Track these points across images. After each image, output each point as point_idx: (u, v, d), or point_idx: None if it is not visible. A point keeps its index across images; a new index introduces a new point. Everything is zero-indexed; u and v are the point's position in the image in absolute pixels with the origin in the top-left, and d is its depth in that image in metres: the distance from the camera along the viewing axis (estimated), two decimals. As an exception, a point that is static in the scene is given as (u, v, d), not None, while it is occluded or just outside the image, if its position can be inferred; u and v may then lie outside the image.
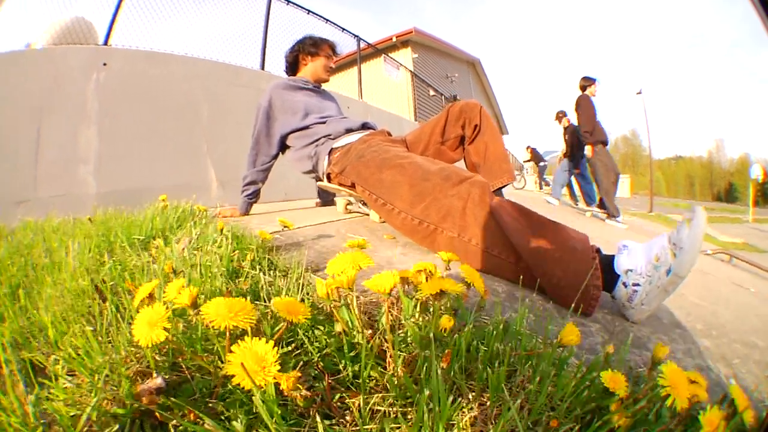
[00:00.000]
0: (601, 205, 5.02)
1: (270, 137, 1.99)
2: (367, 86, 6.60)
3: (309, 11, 5.36)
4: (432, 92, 10.30)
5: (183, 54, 3.56)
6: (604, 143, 4.78)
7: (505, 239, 1.16)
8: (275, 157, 2.05)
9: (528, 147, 13.71)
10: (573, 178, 6.49)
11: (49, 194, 2.65)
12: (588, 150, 4.77)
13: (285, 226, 1.27)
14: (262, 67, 4.52)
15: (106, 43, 3.24)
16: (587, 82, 4.97)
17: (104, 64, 2.97)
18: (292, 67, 2.20)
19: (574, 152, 6.45)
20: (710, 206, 29.08)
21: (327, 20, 5.74)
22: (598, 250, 1.12)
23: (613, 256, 1.09)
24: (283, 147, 2.05)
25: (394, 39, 12.33)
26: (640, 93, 19.44)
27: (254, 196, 2.05)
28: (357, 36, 6.51)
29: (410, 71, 8.86)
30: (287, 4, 5.03)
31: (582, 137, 4.84)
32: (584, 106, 4.84)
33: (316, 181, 2.01)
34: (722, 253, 3.97)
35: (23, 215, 2.33)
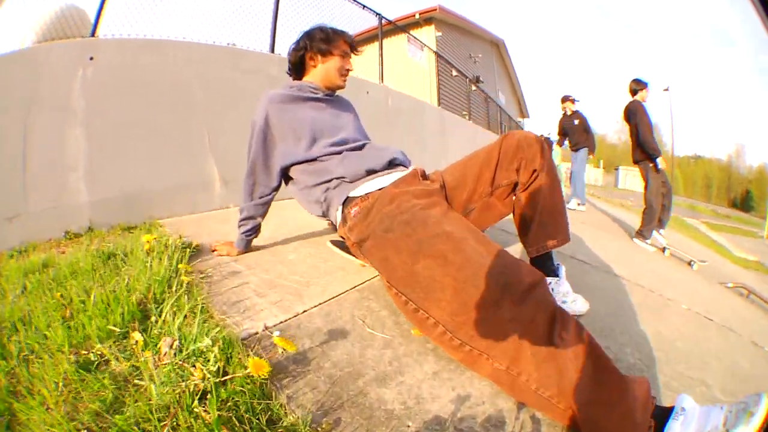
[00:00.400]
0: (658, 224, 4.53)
1: (268, 167, 1.61)
2: (388, 65, 6.10)
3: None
4: (455, 73, 9.83)
5: (178, 39, 3.16)
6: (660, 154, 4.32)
7: (561, 384, 0.91)
8: (277, 189, 1.69)
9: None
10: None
11: (40, 207, 2.42)
12: (662, 162, 4.22)
13: (284, 348, 0.99)
14: (272, 50, 4.03)
15: (93, 34, 2.84)
16: (639, 86, 4.41)
17: (91, 59, 2.62)
18: (298, 69, 1.72)
19: (578, 142, 6.11)
20: (726, 213, 28.49)
21: None
22: (654, 414, 0.90)
23: (668, 417, 0.88)
24: (287, 177, 1.67)
25: (417, 16, 11.59)
26: (667, 90, 18.90)
27: (253, 233, 1.77)
28: (378, 14, 5.89)
29: (435, 52, 8.36)
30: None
31: (650, 152, 4.23)
32: (641, 115, 4.26)
33: (332, 228, 1.74)
34: (741, 287, 3.72)
35: (17, 233, 2.26)
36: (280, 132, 1.56)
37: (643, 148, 4.24)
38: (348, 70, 1.71)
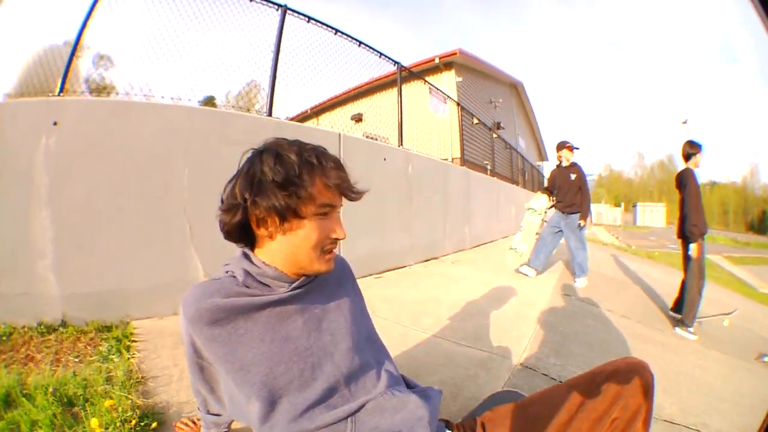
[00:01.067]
0: (676, 309, 3.99)
1: (217, 397, 0.97)
2: (406, 116, 5.44)
3: (337, 31, 4.23)
4: (476, 121, 9.33)
5: (152, 101, 2.68)
6: (704, 235, 3.70)
7: None
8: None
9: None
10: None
11: (12, 291, 2.18)
12: (694, 250, 3.64)
13: None
14: (270, 113, 3.40)
15: (62, 92, 2.40)
16: (693, 150, 3.79)
17: (55, 124, 2.21)
18: (239, 237, 0.91)
19: (573, 203, 4.75)
20: (745, 239, 28.14)
21: (360, 42, 4.57)
22: None
23: None
24: None
25: (437, 60, 11.24)
26: (685, 123, 18.63)
27: None
28: (397, 62, 5.20)
29: (457, 103, 7.84)
30: (308, 22, 3.88)
31: (687, 233, 3.67)
32: (690, 187, 3.68)
33: None
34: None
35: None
36: (220, 371, 0.89)
37: (684, 224, 3.73)
38: (336, 240, 0.90)
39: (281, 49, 3.59)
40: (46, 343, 2.08)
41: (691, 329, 3.72)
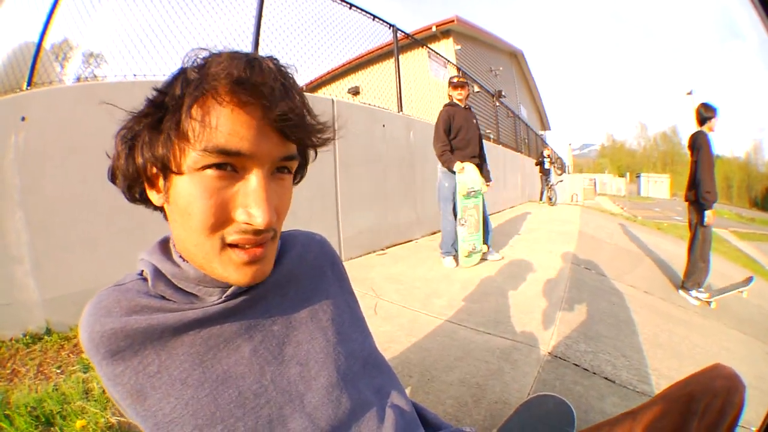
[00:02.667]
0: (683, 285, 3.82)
1: None
2: (405, 86, 5.10)
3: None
4: (477, 89, 8.90)
5: (120, 79, 2.38)
6: (714, 203, 3.55)
7: None
8: None
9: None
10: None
11: None
12: (710, 217, 3.49)
13: None
14: None
15: (29, 84, 2.21)
16: (708, 113, 3.58)
17: (23, 119, 2.04)
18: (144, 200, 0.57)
19: (477, 155, 3.83)
20: (750, 215, 28.25)
21: (351, 5, 4.18)
22: None
23: None
24: None
25: (434, 29, 10.66)
26: (690, 93, 18.22)
27: None
28: (393, 25, 4.81)
29: (457, 68, 7.39)
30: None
31: (701, 198, 3.50)
32: (704, 151, 3.49)
33: None
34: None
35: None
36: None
37: (697, 189, 3.58)
38: (252, 227, 0.45)
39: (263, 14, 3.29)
40: (31, 355, 2.02)
41: (692, 293, 3.67)
